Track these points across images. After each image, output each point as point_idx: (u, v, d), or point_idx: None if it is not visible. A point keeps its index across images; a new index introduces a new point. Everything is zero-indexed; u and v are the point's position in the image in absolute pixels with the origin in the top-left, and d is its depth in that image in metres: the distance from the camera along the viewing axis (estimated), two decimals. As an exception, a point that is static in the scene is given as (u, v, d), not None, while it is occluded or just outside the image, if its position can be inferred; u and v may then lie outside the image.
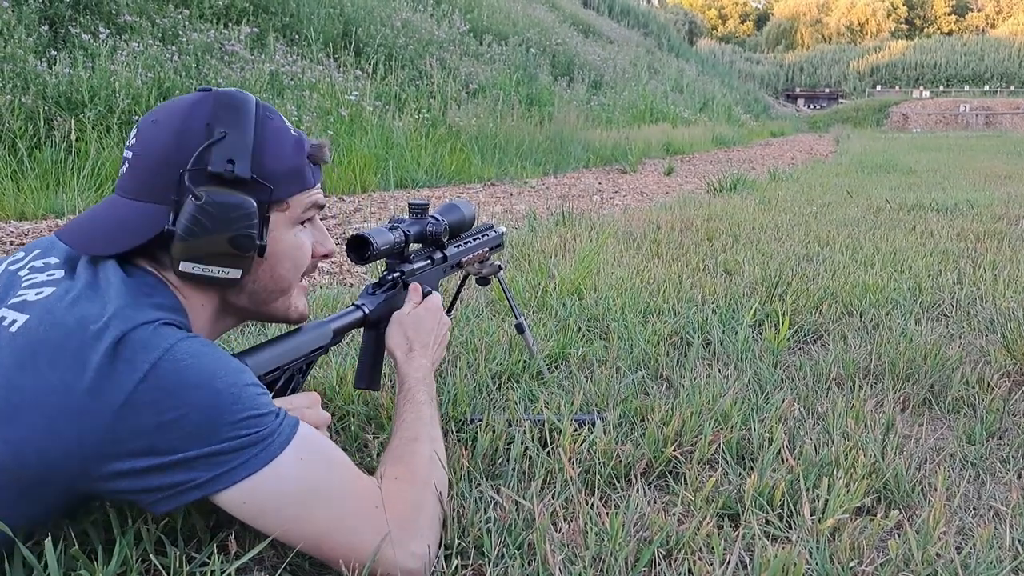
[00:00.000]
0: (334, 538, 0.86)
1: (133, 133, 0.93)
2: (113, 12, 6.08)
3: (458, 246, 1.45)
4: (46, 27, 5.51)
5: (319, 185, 1.04)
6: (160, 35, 6.22)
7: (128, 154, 0.92)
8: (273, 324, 1.66)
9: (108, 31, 5.70)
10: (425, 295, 1.29)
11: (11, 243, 3.16)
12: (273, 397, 0.92)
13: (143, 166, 0.91)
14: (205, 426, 0.80)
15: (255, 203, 0.92)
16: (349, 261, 2.89)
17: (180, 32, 6.36)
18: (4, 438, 0.77)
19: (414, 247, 1.33)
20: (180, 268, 0.91)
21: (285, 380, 1.07)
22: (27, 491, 0.80)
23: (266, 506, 0.83)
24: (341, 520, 0.86)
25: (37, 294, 0.85)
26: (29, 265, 0.93)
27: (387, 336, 1.22)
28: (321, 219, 1.20)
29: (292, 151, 0.98)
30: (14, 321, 0.82)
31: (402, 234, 1.24)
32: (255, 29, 7.09)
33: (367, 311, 1.21)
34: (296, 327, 1.11)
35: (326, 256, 1.08)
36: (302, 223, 1.02)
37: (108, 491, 0.82)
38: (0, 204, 3.80)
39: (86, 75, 4.92)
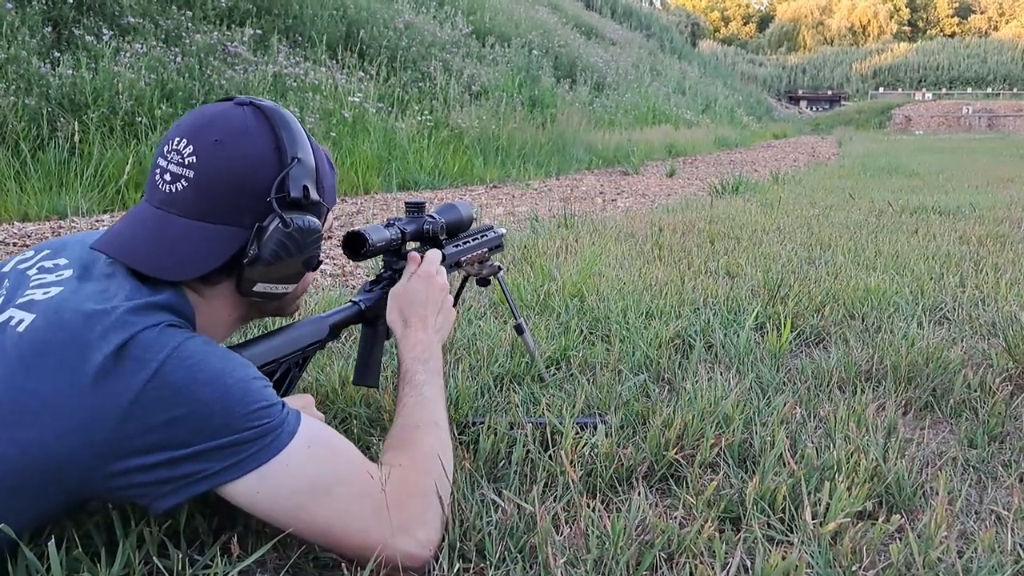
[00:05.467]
0: (343, 525, 0.86)
1: (188, 150, 0.89)
2: (116, 14, 6.09)
3: (456, 246, 1.45)
4: (49, 28, 5.52)
5: None
6: (163, 37, 6.22)
7: (186, 172, 0.88)
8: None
9: (111, 33, 5.71)
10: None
11: (14, 244, 3.17)
12: None
13: (212, 187, 0.89)
14: (218, 420, 0.81)
15: (319, 223, 0.96)
16: (351, 262, 2.85)
17: (183, 34, 6.37)
18: (13, 440, 0.77)
19: (412, 245, 1.33)
20: (255, 289, 0.95)
21: (281, 373, 1.09)
22: (34, 493, 0.80)
23: (278, 495, 0.84)
24: (350, 506, 0.87)
25: (44, 293, 0.85)
26: (38, 265, 0.93)
27: (387, 315, 1.21)
28: None
29: (330, 168, 1.03)
30: (21, 321, 0.82)
31: (398, 231, 1.25)
32: (258, 31, 7.10)
33: (363, 306, 1.22)
34: (292, 321, 1.14)
35: None
36: None
37: (115, 488, 0.82)
38: (3, 205, 3.81)
39: (89, 76, 4.94)
